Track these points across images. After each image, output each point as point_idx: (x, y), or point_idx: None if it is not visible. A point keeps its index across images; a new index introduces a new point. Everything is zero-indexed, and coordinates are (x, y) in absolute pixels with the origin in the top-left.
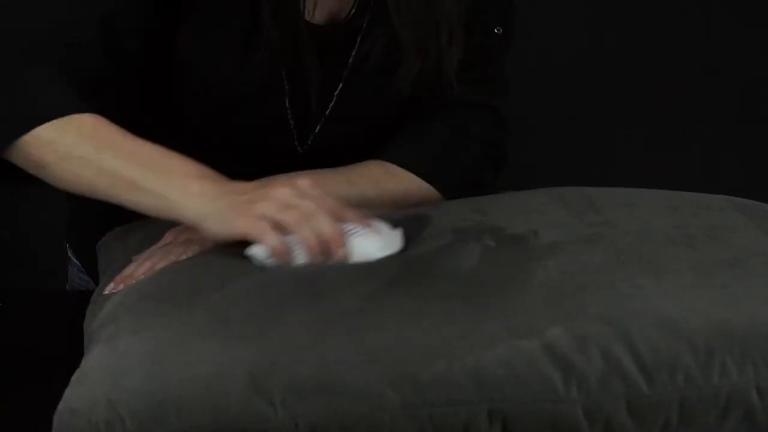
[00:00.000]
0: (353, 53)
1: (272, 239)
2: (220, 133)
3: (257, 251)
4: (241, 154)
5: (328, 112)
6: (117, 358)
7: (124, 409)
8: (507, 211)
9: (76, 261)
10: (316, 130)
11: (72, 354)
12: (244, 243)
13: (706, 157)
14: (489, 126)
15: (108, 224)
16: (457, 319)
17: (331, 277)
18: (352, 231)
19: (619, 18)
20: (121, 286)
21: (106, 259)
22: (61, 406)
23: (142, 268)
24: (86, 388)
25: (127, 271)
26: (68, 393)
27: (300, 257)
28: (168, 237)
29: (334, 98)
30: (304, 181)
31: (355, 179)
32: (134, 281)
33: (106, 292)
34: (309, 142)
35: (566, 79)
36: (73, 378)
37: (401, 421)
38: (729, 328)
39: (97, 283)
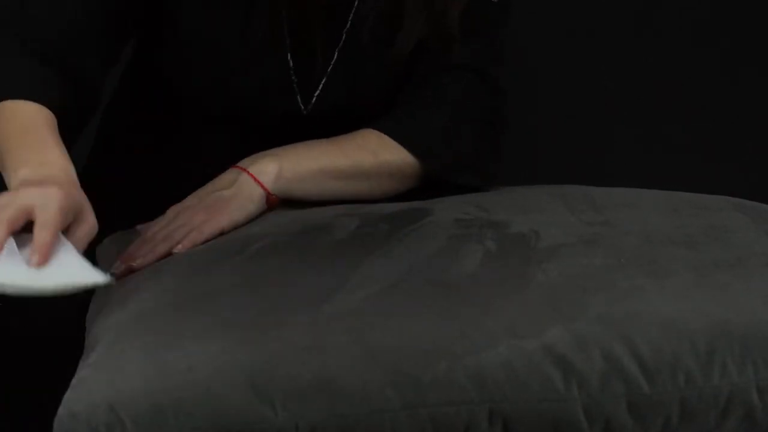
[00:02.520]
0: (353, 10)
1: None
2: (223, 99)
3: None
4: (246, 119)
5: (330, 69)
6: (117, 362)
7: (125, 413)
8: (509, 209)
9: None
10: (320, 89)
11: (72, 354)
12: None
13: (706, 157)
14: (488, 94)
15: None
16: (458, 319)
17: (331, 280)
18: None
19: (620, 17)
20: (123, 267)
21: (106, 262)
22: (61, 410)
23: (142, 250)
24: (86, 391)
25: (131, 250)
26: (68, 396)
27: None
28: (170, 214)
29: (336, 55)
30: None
31: (351, 151)
32: (135, 262)
33: (113, 272)
34: (313, 101)
35: (566, 79)
36: (73, 381)
37: (402, 421)
38: (730, 329)
39: None
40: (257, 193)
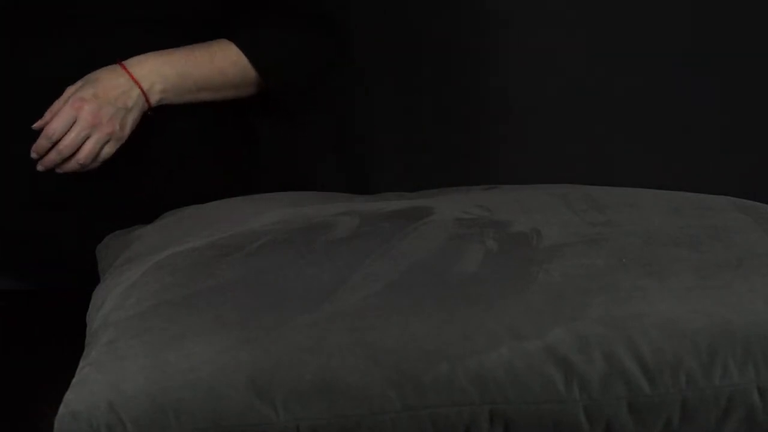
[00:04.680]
0: None
1: None
2: None
3: None
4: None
5: None
6: (118, 361)
7: (125, 413)
8: (510, 208)
9: None
10: None
11: (72, 354)
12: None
13: (707, 157)
14: (321, 37)
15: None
16: (459, 320)
17: (332, 279)
18: None
19: (620, 17)
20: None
21: (107, 259)
22: (62, 409)
23: (48, 156)
24: (87, 391)
25: (39, 143)
26: (69, 396)
27: None
28: (69, 110)
29: None
30: None
31: (223, 66)
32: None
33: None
34: None
35: (566, 79)
36: (74, 381)
37: (403, 422)
38: (732, 329)
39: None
40: (143, 107)
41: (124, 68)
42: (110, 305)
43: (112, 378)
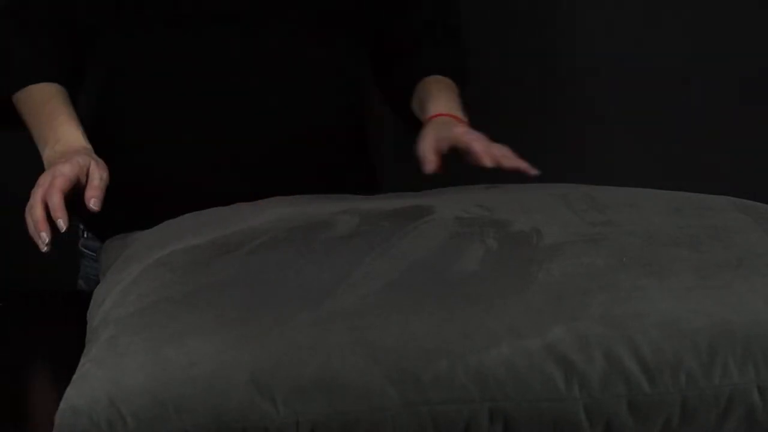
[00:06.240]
0: None
1: None
2: None
3: None
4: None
5: None
6: (118, 357)
7: (126, 408)
8: (510, 208)
9: (86, 250)
10: None
11: (73, 354)
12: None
13: (706, 157)
14: (456, 41)
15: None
16: (459, 318)
17: (332, 278)
18: None
19: (620, 17)
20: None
21: (107, 260)
22: (62, 404)
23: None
24: (88, 386)
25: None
26: (70, 392)
27: None
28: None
29: None
30: None
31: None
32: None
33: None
34: None
35: (566, 79)
36: (75, 377)
37: (402, 419)
38: (731, 329)
39: None
40: None
41: (454, 117)
42: (111, 302)
43: (112, 374)
